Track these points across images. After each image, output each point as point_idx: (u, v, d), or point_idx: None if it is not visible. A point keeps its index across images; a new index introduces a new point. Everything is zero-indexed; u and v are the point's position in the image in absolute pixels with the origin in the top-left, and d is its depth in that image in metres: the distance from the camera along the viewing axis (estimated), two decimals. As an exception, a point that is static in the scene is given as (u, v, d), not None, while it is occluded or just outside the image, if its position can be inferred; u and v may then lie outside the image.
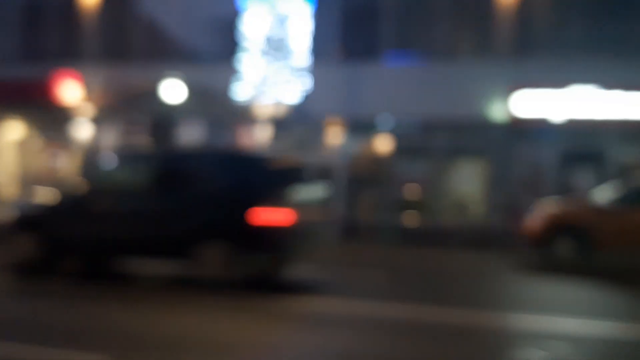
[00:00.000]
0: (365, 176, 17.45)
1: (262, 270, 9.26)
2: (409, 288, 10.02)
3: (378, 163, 17.50)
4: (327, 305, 8.23)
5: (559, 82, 15.68)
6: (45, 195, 10.30)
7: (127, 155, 11.80)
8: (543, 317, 7.79)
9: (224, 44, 17.74)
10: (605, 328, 7.39)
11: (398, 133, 17.26)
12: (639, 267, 12.70)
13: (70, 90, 18.44)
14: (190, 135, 18.16)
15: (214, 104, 17.44)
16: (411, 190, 17.39)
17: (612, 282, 10.92)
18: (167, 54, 18.83)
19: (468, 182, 17.08)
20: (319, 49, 17.28)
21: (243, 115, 17.47)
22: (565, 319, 7.69)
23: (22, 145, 19.74)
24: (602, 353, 6.35)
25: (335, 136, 17.63)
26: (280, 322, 7.53)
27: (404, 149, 17.24)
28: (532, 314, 8.05)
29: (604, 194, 12.95)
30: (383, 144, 17.54)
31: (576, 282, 10.93)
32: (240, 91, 17.27)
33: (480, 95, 16.40)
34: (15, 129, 19.76)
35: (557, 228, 12.43)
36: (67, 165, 19.01)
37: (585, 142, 15.87)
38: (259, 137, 17.59)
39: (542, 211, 12.92)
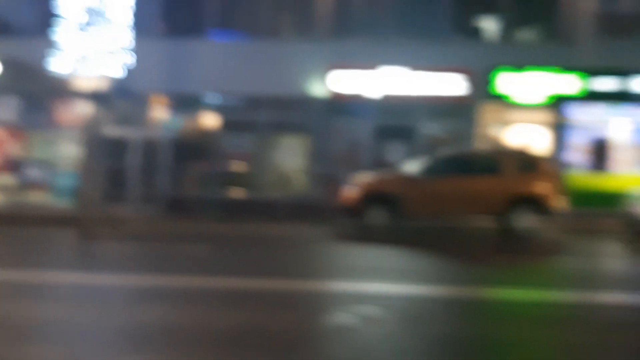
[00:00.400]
0: (191, 151, 17.54)
1: None
2: (228, 260, 10.37)
3: (204, 138, 17.65)
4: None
5: (374, 61, 16.64)
6: None
7: None
8: (355, 283, 8.46)
9: (40, 16, 16.97)
10: (410, 289, 8.19)
11: (223, 109, 17.50)
12: (442, 232, 13.95)
13: None
14: (4, 111, 17.31)
15: (30, 79, 16.69)
16: (237, 165, 17.73)
17: (419, 247, 11.93)
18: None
19: (291, 156, 17.70)
20: (142, 23, 17.01)
21: (61, 89, 16.87)
22: (375, 283, 8.41)
23: None
24: (405, 312, 7.06)
25: (159, 111, 17.54)
26: None
27: (229, 124, 17.50)
28: (345, 280, 8.70)
29: (413, 166, 14.03)
30: (209, 120, 17.70)
31: (387, 248, 11.84)
32: (59, 65, 16.65)
33: (301, 73, 17.01)
34: None
35: (370, 198, 13.34)
36: None
37: (397, 117, 16.99)
38: (79, 111, 17.11)
39: (356, 183, 13.78)
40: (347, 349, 5.76)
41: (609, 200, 15.73)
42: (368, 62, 16.63)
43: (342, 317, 6.69)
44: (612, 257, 12.04)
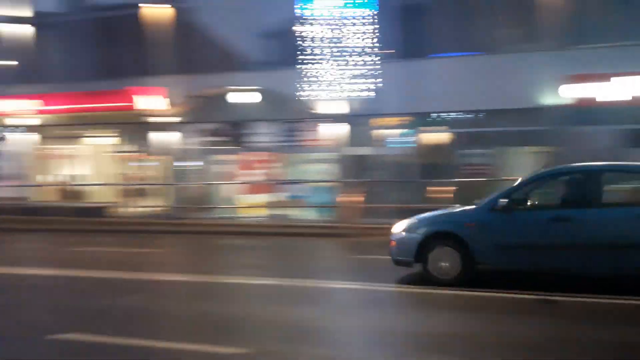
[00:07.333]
0: (429, 166, 18.32)
1: None
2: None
3: (440, 153, 18.38)
4: None
5: (611, 68, 16.31)
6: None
7: None
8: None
9: (291, 50, 18.69)
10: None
11: (458, 123, 18.22)
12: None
13: (150, 101, 19.67)
14: (265, 137, 19.50)
15: (285, 106, 18.54)
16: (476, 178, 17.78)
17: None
18: (233, 63, 20.10)
19: (531, 167, 17.70)
20: (380, 48, 18.25)
21: (312, 114, 18.54)
22: None
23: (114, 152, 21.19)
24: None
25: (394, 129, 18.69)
26: None
27: (464, 139, 18.13)
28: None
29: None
30: (444, 135, 18.48)
31: None
32: (309, 92, 18.31)
33: (536, 83, 17.06)
34: (107, 139, 21.34)
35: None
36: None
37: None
38: (329, 133, 18.74)
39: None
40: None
41: None
42: (605, 70, 16.37)
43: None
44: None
